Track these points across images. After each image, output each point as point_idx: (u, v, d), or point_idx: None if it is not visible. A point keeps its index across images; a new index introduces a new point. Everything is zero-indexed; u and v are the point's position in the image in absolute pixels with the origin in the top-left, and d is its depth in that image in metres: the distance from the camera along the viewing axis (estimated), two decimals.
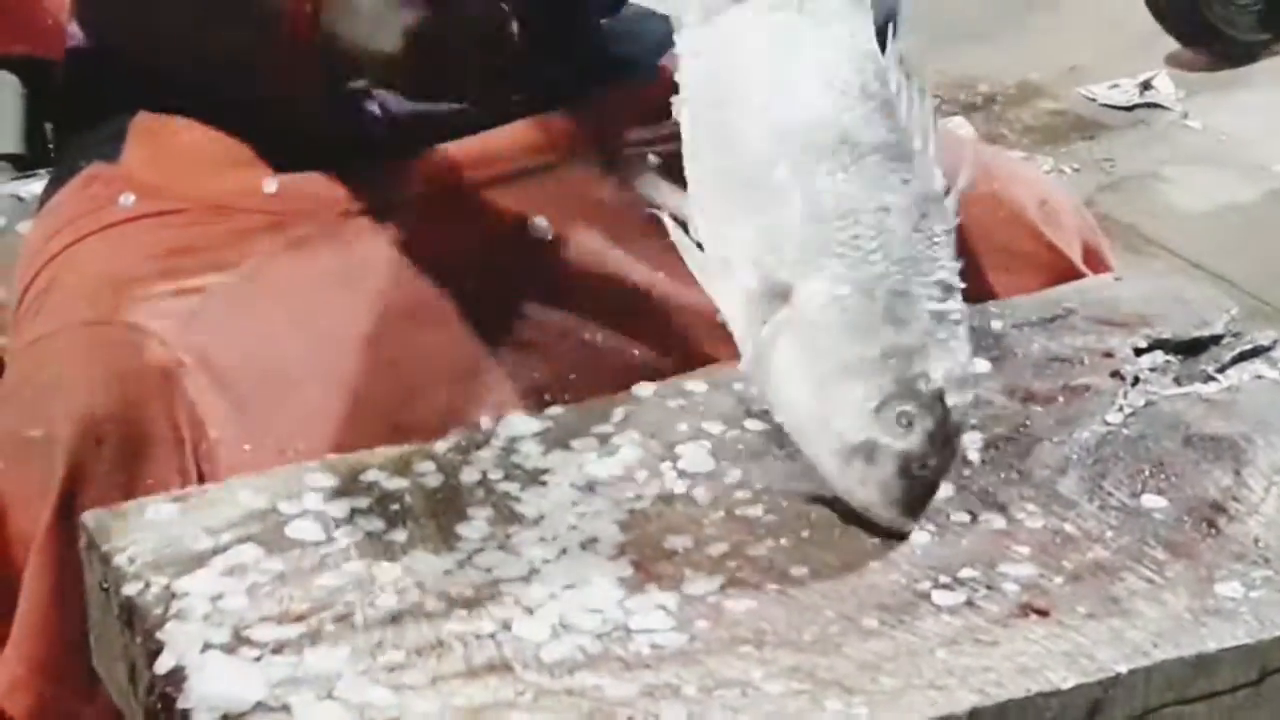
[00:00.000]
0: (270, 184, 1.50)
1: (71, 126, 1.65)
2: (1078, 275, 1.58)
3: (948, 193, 1.24)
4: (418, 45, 1.38)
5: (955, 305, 1.22)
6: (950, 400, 1.20)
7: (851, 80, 1.24)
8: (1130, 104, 3.92)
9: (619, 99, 1.59)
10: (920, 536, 1.22)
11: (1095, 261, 1.61)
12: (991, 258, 1.55)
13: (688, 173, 1.28)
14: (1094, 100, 3.95)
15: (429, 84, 1.43)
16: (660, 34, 1.66)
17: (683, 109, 1.28)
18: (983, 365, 1.40)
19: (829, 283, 1.21)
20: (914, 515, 1.22)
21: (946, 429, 1.20)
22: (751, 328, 1.23)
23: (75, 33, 1.65)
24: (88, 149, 1.57)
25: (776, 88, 1.25)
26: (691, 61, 1.29)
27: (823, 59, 1.25)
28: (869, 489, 1.21)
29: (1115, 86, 3.95)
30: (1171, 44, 4.10)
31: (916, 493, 1.22)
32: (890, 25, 1.29)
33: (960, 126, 3.71)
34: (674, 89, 1.29)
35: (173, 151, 1.54)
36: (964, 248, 1.51)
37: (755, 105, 1.25)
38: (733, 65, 1.27)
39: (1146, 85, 3.95)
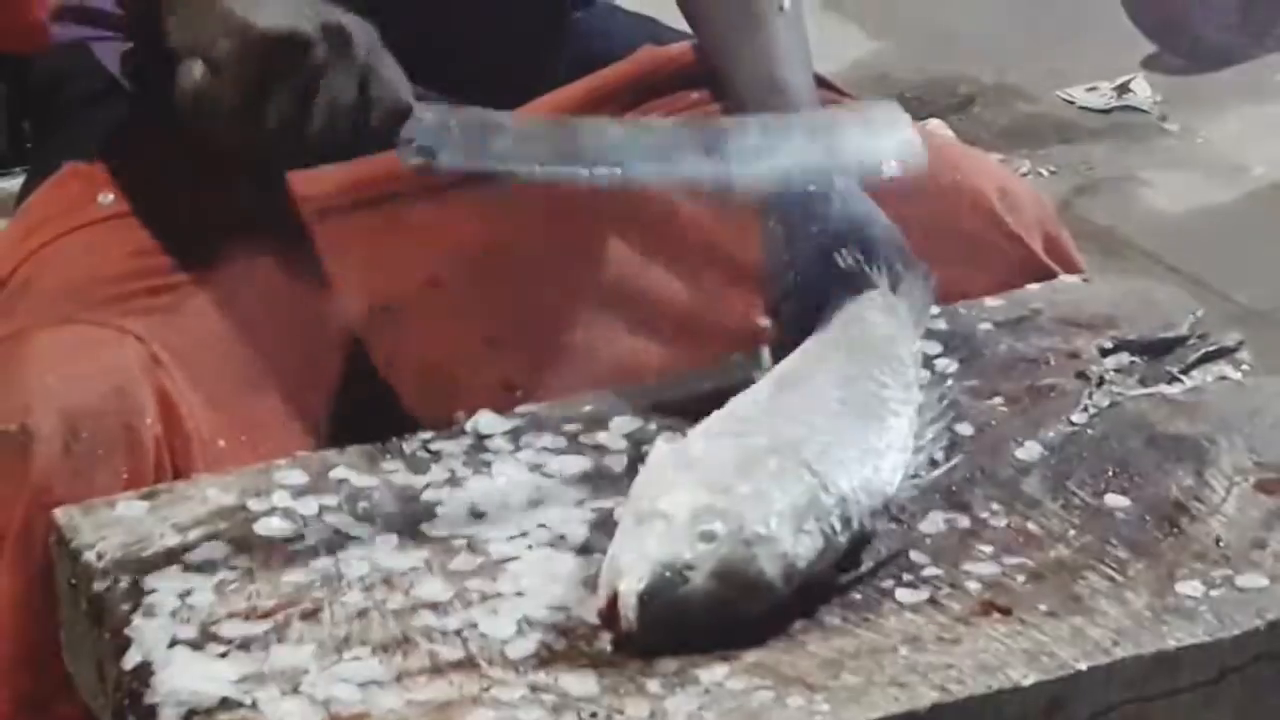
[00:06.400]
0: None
1: (50, 124, 1.66)
2: (1039, 264, 1.58)
3: None
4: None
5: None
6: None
7: None
8: (1108, 107, 3.93)
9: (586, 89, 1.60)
10: (885, 535, 1.23)
11: (1056, 251, 1.61)
12: (953, 247, 1.55)
13: None
14: (1072, 103, 3.96)
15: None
16: (630, 31, 1.67)
17: None
18: (950, 365, 1.42)
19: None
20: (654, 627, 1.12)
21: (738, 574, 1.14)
22: None
23: (60, 31, 1.65)
24: (66, 147, 1.57)
25: None
26: None
27: None
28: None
29: (1093, 89, 3.96)
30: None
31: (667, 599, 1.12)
32: None
33: (939, 128, 3.72)
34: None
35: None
36: (926, 238, 1.53)
37: None
38: None
39: (1124, 88, 3.96)
